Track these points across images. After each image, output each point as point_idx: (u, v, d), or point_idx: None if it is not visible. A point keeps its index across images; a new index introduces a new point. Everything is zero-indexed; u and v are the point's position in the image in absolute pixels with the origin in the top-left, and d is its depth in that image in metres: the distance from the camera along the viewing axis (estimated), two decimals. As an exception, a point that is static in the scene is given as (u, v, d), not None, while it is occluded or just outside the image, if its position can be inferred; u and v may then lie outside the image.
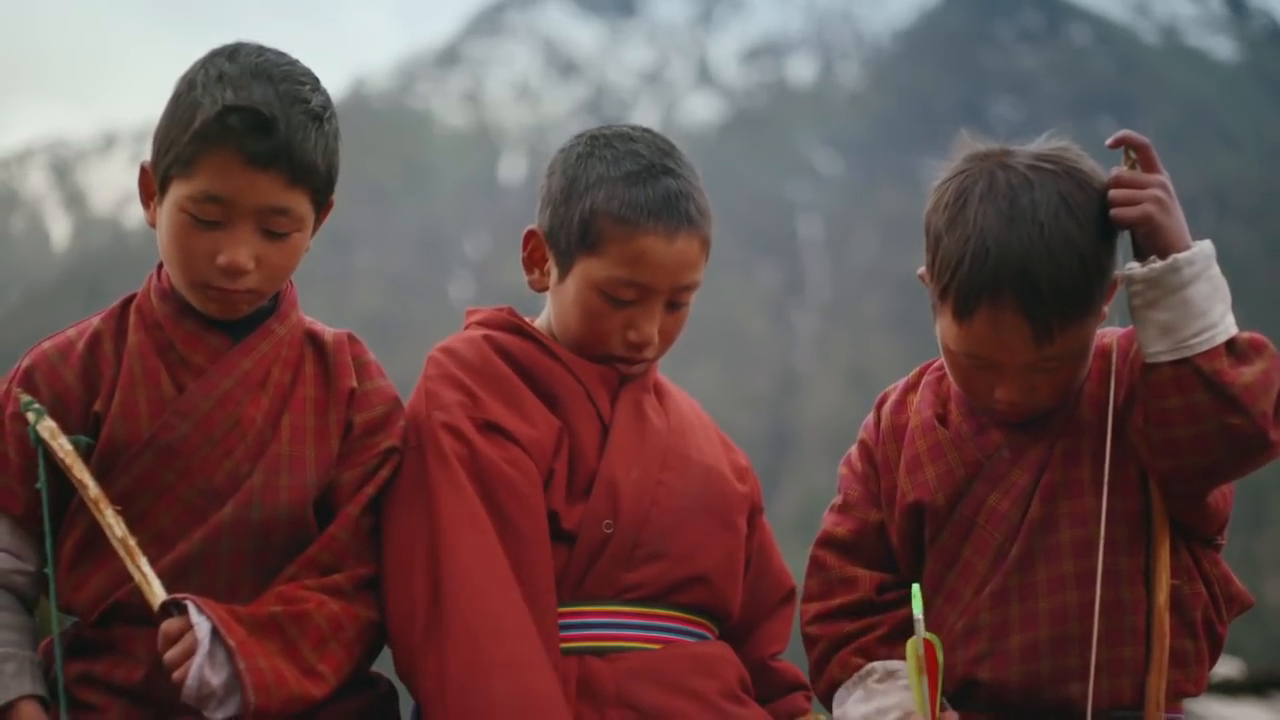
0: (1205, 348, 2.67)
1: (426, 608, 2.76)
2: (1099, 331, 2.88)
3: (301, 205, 2.79)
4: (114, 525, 2.71)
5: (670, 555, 2.94)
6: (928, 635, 2.73)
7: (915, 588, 2.76)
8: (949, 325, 2.81)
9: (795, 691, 3.13)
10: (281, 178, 2.75)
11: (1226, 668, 10.25)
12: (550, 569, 2.85)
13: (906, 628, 2.82)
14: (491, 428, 2.88)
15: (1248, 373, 2.67)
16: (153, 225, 2.85)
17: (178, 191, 2.76)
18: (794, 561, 3.12)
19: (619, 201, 2.92)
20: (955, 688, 2.84)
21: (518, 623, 2.74)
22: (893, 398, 3.05)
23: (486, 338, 3.00)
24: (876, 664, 2.89)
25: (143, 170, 2.85)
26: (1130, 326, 2.81)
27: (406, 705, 2.92)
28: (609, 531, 2.90)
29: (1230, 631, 2.94)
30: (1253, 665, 10.73)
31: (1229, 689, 10.04)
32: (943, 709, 2.77)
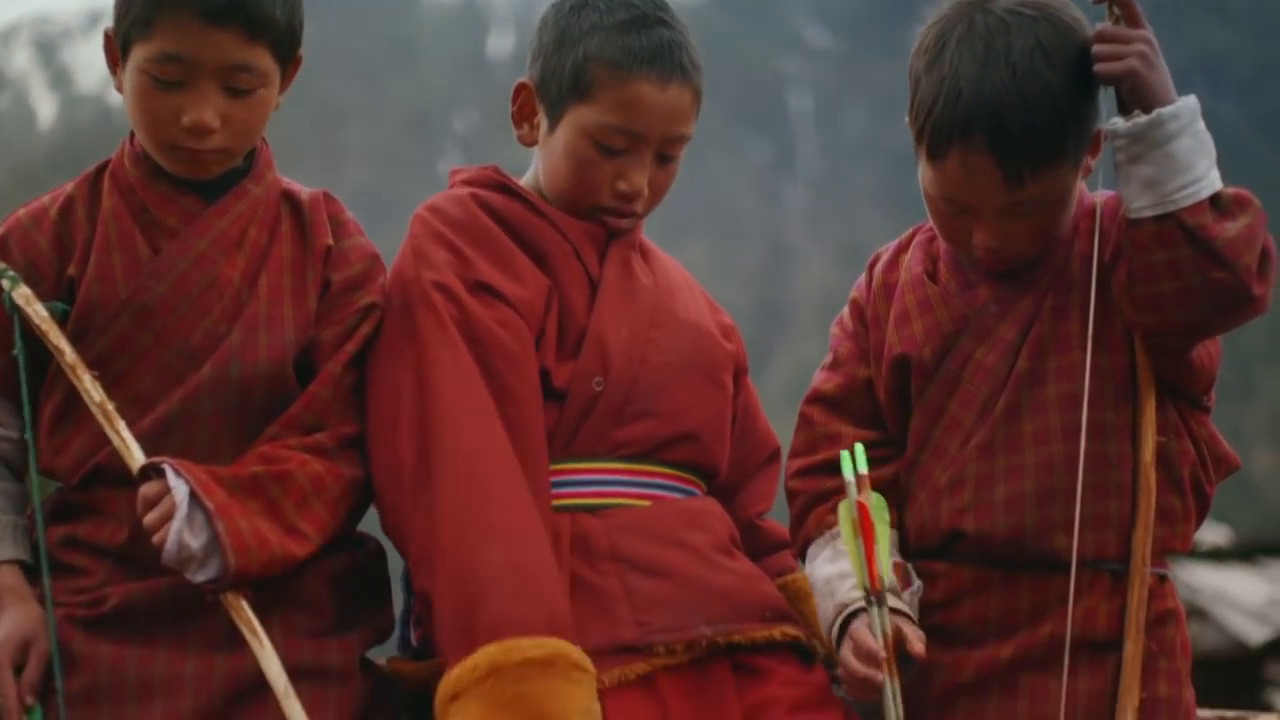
0: (1189, 202, 2.66)
1: (413, 464, 2.77)
2: (1091, 195, 2.87)
3: (264, 61, 2.78)
4: (91, 391, 2.72)
5: (659, 412, 2.95)
6: (861, 497, 2.73)
7: (846, 452, 2.77)
8: (925, 168, 2.82)
9: (782, 550, 3.16)
10: (240, 33, 2.74)
11: (1215, 535, 10.31)
12: (542, 430, 2.86)
13: (885, 487, 2.84)
14: (482, 288, 2.87)
15: (1231, 227, 2.66)
16: (120, 90, 2.85)
17: (138, 54, 2.76)
18: (784, 433, 3.12)
19: (613, 48, 2.92)
20: (940, 539, 2.85)
21: (512, 487, 2.75)
22: (885, 257, 3.05)
23: (473, 195, 2.99)
24: None
25: (106, 36, 2.84)
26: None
27: (396, 565, 2.94)
28: (599, 389, 2.91)
29: (1219, 501, 2.95)
30: (1241, 534, 10.80)
31: (1218, 556, 10.11)
32: (901, 572, 2.78)
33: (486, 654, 2.58)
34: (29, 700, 2.70)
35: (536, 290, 2.91)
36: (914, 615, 2.79)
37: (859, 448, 2.77)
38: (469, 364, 2.81)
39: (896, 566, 2.82)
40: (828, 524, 2.91)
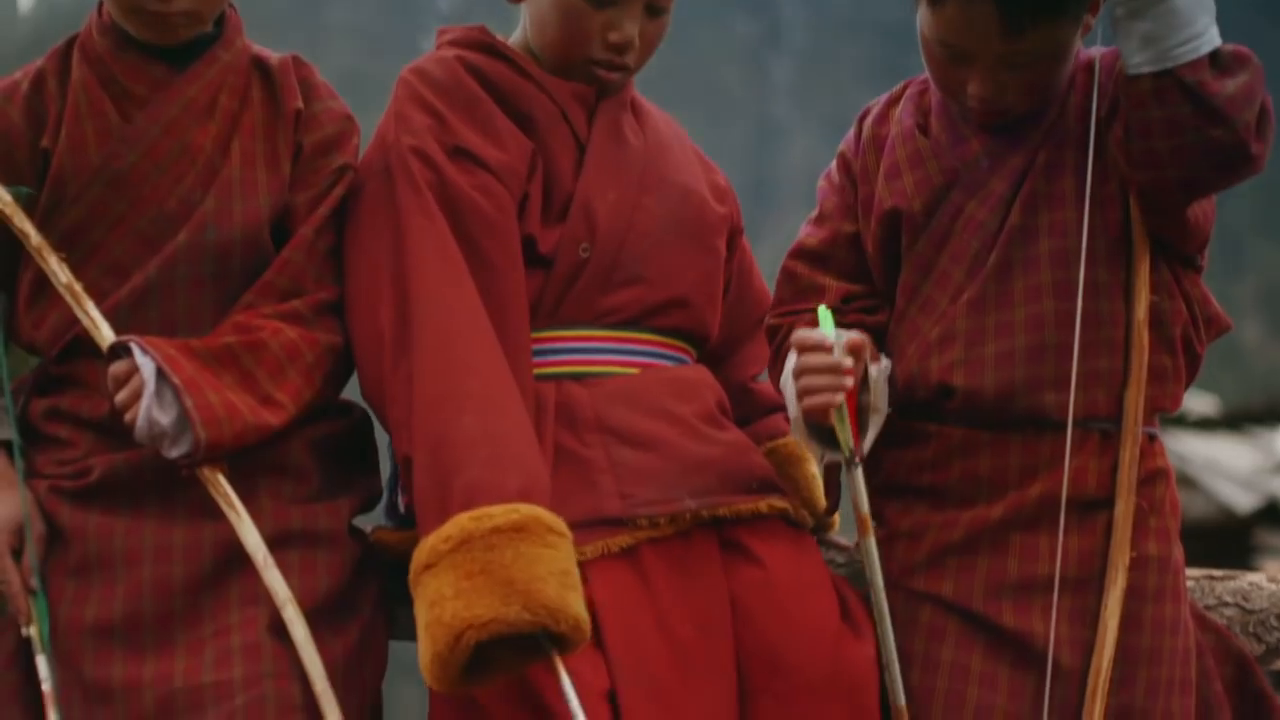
0: (1189, 58, 2.62)
1: (394, 333, 2.74)
2: (1087, 52, 2.84)
3: None
4: (58, 272, 2.74)
5: (647, 278, 2.92)
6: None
7: (823, 309, 2.74)
8: (925, 12, 2.77)
9: (775, 413, 3.14)
10: None
11: (1204, 405, 10.36)
12: (524, 299, 2.83)
13: (873, 332, 2.82)
14: (461, 153, 2.84)
15: (1231, 84, 2.63)
16: None
17: None
18: (772, 305, 3.08)
19: None
20: (929, 394, 2.83)
21: (486, 355, 2.72)
22: (875, 110, 3.02)
23: (458, 58, 2.94)
24: None
25: None
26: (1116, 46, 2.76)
27: (384, 432, 2.92)
28: (585, 255, 2.88)
29: (1208, 371, 2.96)
30: (1230, 404, 10.85)
31: (1207, 425, 10.15)
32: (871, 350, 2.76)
33: (457, 523, 2.56)
34: (33, 584, 2.71)
35: (519, 154, 2.87)
36: (881, 395, 2.79)
37: (824, 310, 2.74)
38: (445, 233, 2.77)
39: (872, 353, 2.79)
40: None
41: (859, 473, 2.71)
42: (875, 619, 2.74)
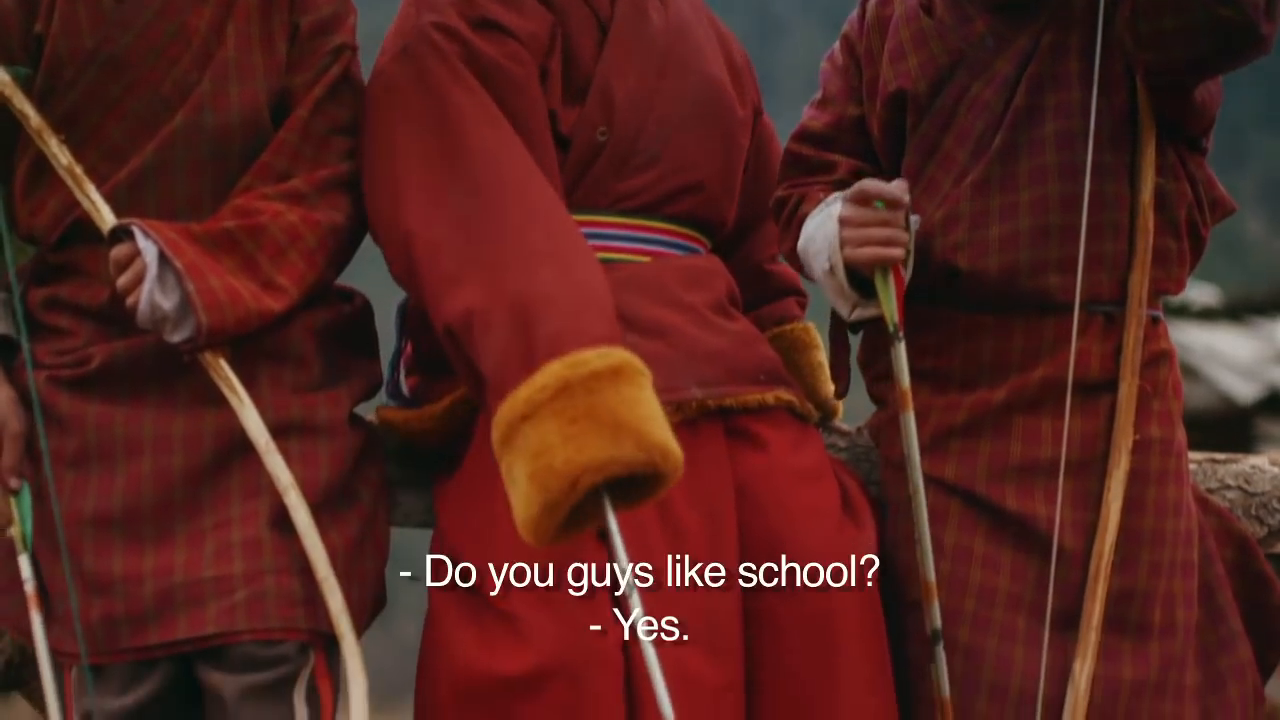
0: None
1: (451, 201, 2.71)
2: None
3: None
4: (59, 154, 2.71)
5: (664, 162, 2.91)
6: None
7: None
8: None
9: (789, 296, 3.14)
10: None
11: (1205, 295, 10.36)
12: (556, 168, 2.83)
13: None
14: (487, 24, 2.82)
15: None
16: None
17: None
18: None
19: None
20: (933, 276, 2.82)
21: (552, 208, 2.71)
22: None
23: None
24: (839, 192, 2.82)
25: None
26: None
27: (386, 315, 2.92)
28: (602, 139, 2.87)
29: (1210, 262, 2.95)
30: (1231, 295, 10.85)
31: (1208, 316, 10.16)
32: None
33: (551, 371, 2.50)
34: (13, 484, 2.71)
35: (540, 24, 2.86)
36: (912, 249, 2.76)
37: None
38: (488, 100, 2.77)
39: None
40: (820, 199, 2.84)
41: (901, 346, 2.71)
42: (910, 493, 2.73)
